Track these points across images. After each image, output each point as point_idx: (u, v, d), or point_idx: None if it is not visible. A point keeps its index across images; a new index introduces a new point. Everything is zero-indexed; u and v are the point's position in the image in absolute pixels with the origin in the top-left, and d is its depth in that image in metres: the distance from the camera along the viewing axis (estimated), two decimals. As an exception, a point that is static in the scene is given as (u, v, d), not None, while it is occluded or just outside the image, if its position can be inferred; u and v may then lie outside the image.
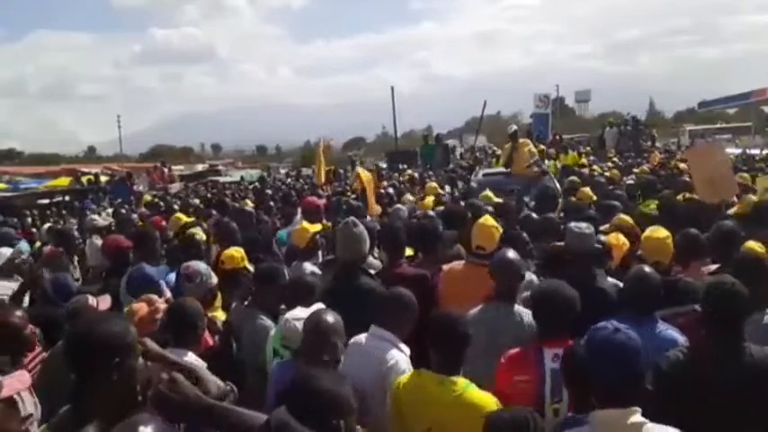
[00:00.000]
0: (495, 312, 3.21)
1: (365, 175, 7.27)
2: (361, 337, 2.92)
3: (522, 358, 2.66)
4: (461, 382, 2.50)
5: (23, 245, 6.58)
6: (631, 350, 2.04)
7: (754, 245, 3.70)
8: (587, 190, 7.30)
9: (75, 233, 6.46)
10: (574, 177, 9.02)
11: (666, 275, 3.58)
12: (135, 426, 1.60)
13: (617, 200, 6.35)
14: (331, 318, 2.64)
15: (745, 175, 8.29)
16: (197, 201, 11.48)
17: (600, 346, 2.08)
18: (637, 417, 1.98)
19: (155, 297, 3.20)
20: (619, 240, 4.11)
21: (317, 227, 4.95)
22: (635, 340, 2.07)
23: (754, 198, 6.02)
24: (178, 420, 1.91)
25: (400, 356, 2.75)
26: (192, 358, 2.69)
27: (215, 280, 3.73)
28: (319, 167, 9.75)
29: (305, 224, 5.07)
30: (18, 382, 2.42)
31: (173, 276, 4.43)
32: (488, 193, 6.87)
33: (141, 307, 3.06)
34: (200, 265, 3.74)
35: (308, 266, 4.46)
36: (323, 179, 9.91)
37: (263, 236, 5.97)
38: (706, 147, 7.90)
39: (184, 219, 6.61)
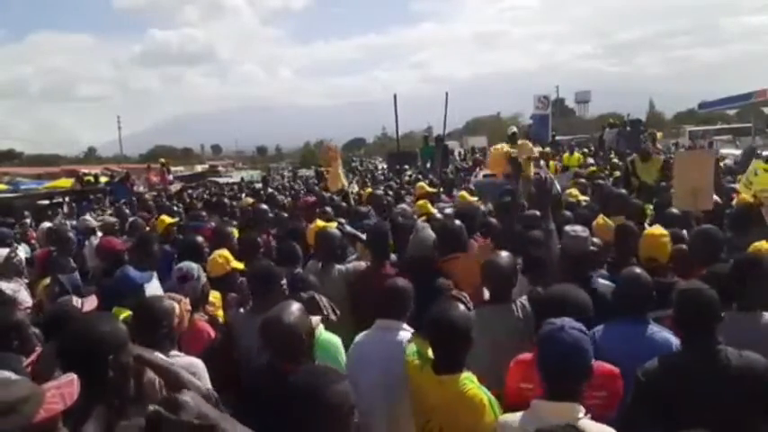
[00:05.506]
0: (491, 313, 3.20)
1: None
2: (370, 334, 3.05)
3: (529, 366, 2.59)
4: (458, 380, 2.45)
5: (24, 248, 6.54)
6: (573, 347, 2.10)
7: (760, 245, 3.61)
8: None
9: (71, 234, 6.39)
10: (580, 179, 9.00)
11: (662, 277, 3.55)
12: (136, 428, 1.69)
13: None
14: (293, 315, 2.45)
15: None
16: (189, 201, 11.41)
17: (543, 343, 2.18)
18: (576, 413, 2.03)
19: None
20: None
21: (332, 225, 4.91)
22: (577, 338, 2.12)
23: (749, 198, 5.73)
24: None
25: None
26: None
27: (204, 279, 3.70)
28: (336, 174, 9.59)
29: (319, 223, 5.03)
30: (60, 400, 1.62)
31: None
32: (463, 193, 7.00)
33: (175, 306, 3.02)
34: (192, 266, 3.70)
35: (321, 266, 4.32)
36: (342, 185, 9.63)
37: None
38: (696, 155, 7.59)
39: (168, 220, 6.53)
